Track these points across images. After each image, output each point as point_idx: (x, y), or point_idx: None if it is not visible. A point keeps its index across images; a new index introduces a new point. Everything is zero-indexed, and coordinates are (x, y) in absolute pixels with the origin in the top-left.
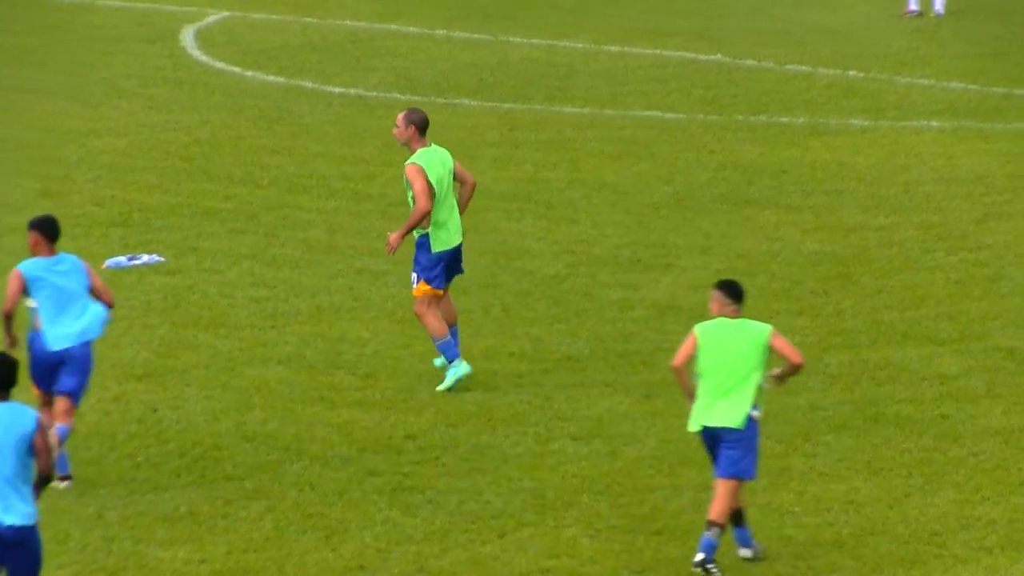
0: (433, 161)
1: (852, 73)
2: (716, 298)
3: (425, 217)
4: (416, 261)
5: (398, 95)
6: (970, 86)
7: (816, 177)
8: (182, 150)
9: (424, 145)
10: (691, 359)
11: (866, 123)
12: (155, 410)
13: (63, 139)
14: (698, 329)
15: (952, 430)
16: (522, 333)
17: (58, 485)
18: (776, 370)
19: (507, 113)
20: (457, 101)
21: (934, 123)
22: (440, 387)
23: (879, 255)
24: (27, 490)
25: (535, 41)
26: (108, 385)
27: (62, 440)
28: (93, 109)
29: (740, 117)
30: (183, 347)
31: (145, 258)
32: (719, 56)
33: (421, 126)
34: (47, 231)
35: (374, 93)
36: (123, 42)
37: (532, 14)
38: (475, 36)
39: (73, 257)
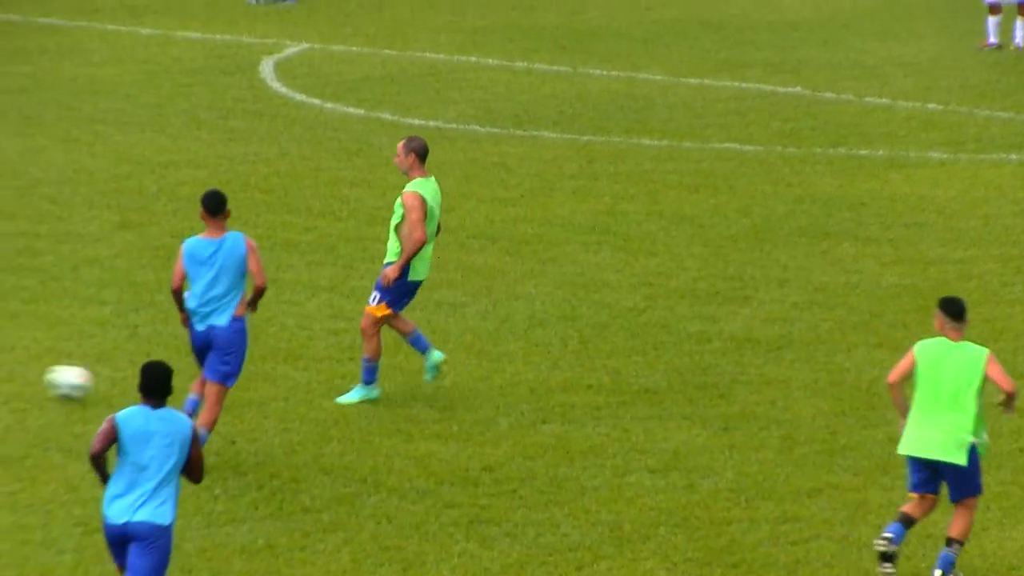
0: (430, 191)
1: (931, 106)
2: (938, 316)
3: (421, 247)
4: (384, 288)
5: (477, 127)
6: None
7: (895, 210)
8: (261, 182)
9: (424, 174)
10: (907, 376)
11: (945, 156)
12: (233, 442)
13: (142, 170)
14: (917, 347)
15: None
16: (600, 365)
17: None
18: (1000, 397)
19: (586, 145)
20: (536, 133)
21: (1013, 156)
22: (341, 399)
23: (958, 288)
24: (171, 493)
25: (614, 73)
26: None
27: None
28: (172, 140)
29: (819, 149)
30: (261, 379)
31: None
32: (798, 88)
33: (421, 154)
34: (209, 206)
35: (453, 125)
36: (202, 74)
37: (607, 46)
38: (554, 68)
39: (238, 235)
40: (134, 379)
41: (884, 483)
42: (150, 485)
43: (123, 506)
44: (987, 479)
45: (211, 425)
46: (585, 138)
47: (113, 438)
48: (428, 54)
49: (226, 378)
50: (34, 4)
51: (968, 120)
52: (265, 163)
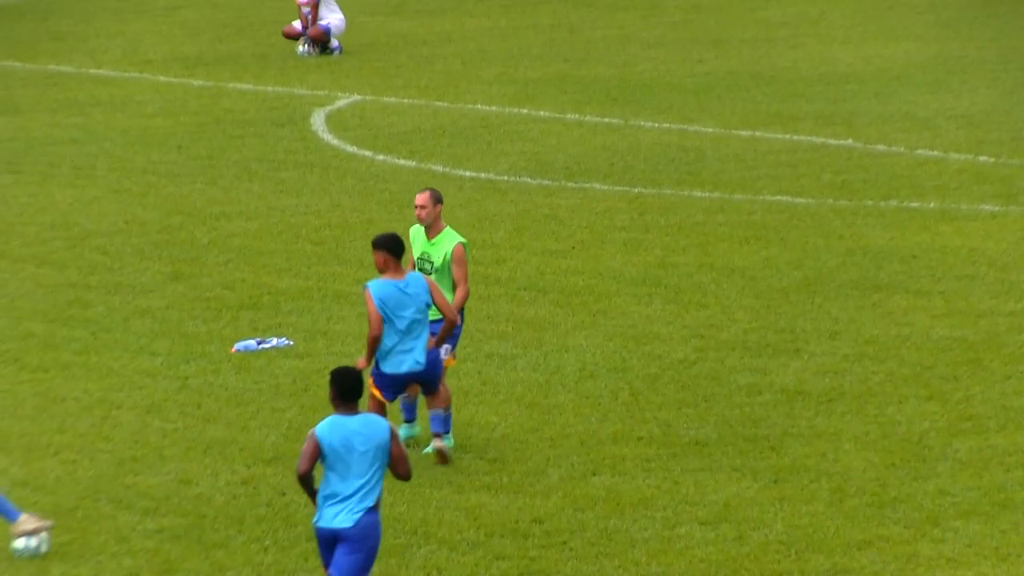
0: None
1: (983, 158)
2: None
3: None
4: (456, 336)
5: (528, 179)
6: None
7: (946, 262)
8: (312, 233)
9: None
10: None
11: (997, 208)
12: (283, 494)
13: (193, 221)
14: None
15: None
16: (651, 417)
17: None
18: None
19: (637, 197)
20: (587, 185)
21: None
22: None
23: (1009, 340)
24: (376, 495)
25: (666, 125)
26: (237, 468)
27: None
28: (224, 192)
29: (870, 202)
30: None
31: (274, 341)
32: (849, 141)
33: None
34: (394, 249)
35: (505, 177)
36: (253, 125)
37: (659, 98)
38: (605, 120)
39: (418, 276)
40: (185, 430)
41: (935, 535)
42: (356, 491)
43: (332, 513)
44: None
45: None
46: (636, 190)
47: (318, 454)
48: (480, 106)
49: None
50: (86, 56)
51: (1020, 172)
52: (316, 215)
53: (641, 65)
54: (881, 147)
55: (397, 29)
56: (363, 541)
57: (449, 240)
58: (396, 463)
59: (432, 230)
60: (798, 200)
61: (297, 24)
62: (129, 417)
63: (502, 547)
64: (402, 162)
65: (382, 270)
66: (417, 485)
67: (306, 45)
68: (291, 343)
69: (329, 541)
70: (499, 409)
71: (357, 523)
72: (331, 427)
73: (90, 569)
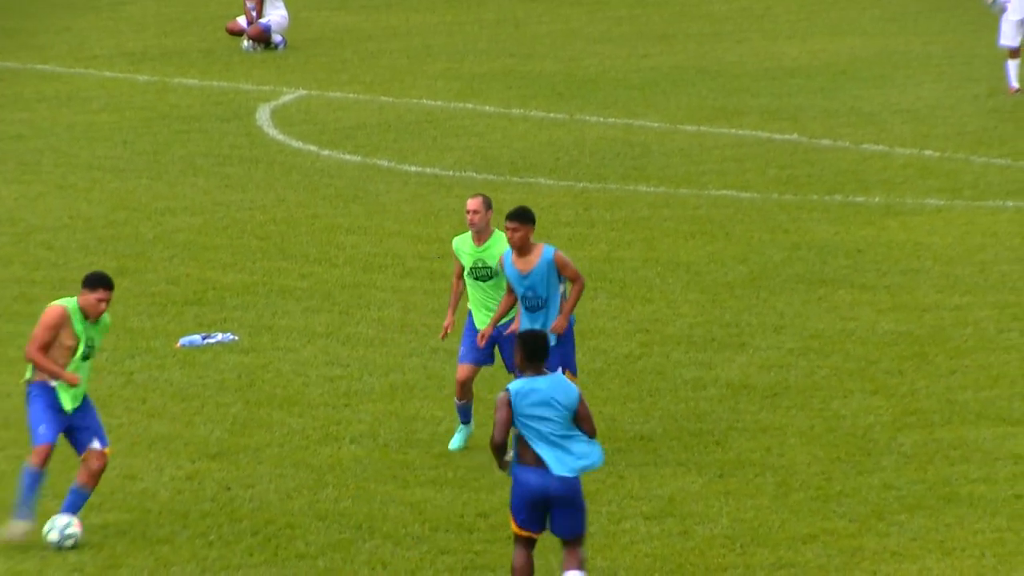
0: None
1: (928, 152)
2: None
3: None
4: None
5: (474, 174)
6: None
7: (892, 257)
8: (258, 229)
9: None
10: None
11: (942, 203)
12: (228, 488)
13: (138, 216)
14: None
15: None
16: (595, 412)
17: None
18: None
19: (582, 192)
20: (533, 180)
21: (1010, 203)
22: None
23: (954, 334)
24: (578, 448)
25: (611, 120)
26: (181, 464)
27: None
28: (169, 187)
29: (815, 196)
30: (257, 426)
31: (219, 336)
32: (795, 135)
33: None
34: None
35: (450, 172)
36: (199, 120)
37: (604, 93)
38: (551, 115)
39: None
40: (130, 426)
41: (879, 529)
42: (552, 449)
43: (536, 474)
44: (982, 525)
45: None
46: (581, 185)
47: (511, 419)
48: (425, 101)
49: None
50: (32, 51)
51: (965, 167)
52: (261, 210)
53: (587, 60)
54: (826, 142)
55: (342, 24)
56: (573, 496)
57: (501, 243)
58: (582, 422)
59: (483, 235)
60: (743, 195)
61: (241, 20)
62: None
63: (447, 542)
64: (347, 157)
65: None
66: (362, 479)
67: (250, 40)
68: (236, 338)
69: (540, 503)
70: (445, 404)
71: (559, 484)
72: (522, 389)
73: (34, 564)
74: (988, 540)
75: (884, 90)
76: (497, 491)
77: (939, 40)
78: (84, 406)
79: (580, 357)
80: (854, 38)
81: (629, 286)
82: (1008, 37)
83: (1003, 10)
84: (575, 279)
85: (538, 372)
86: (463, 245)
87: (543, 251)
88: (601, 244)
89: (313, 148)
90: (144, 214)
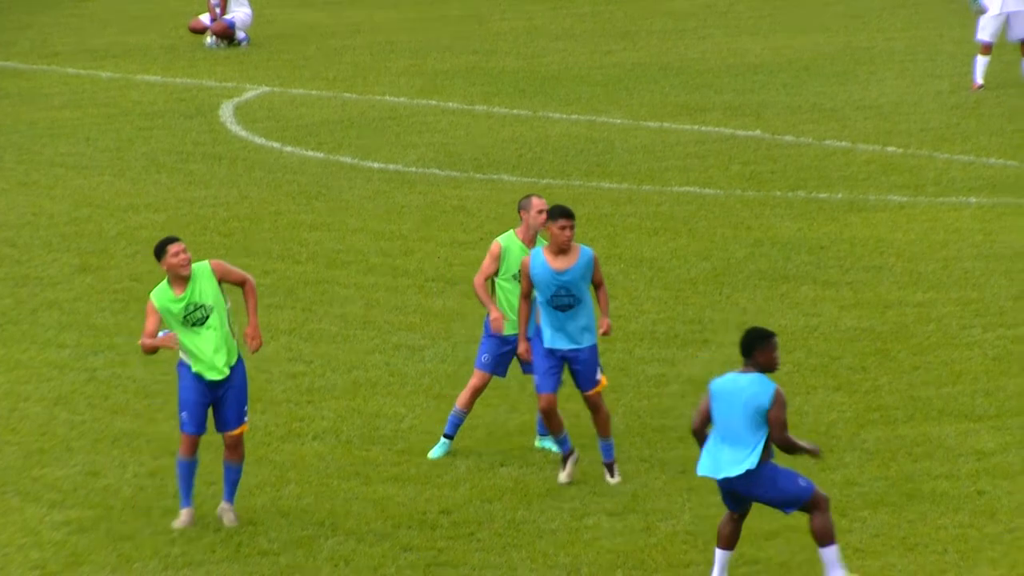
0: None
1: (891, 149)
2: None
3: None
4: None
5: (437, 171)
6: (1009, 162)
7: (854, 253)
8: (221, 225)
9: None
10: None
11: (905, 199)
12: None
13: (102, 213)
14: None
15: (989, 506)
16: (559, 408)
17: None
18: None
19: (546, 188)
20: (496, 176)
21: (973, 199)
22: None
23: (917, 331)
24: (757, 446)
25: (574, 117)
26: (144, 460)
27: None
28: (132, 183)
29: (778, 193)
30: None
31: None
32: (758, 132)
33: None
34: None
35: (413, 169)
36: (162, 117)
37: (567, 89)
38: (514, 112)
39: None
40: (93, 422)
41: (842, 526)
42: (734, 443)
43: (711, 464)
44: (945, 521)
45: None
46: (545, 181)
47: (709, 409)
48: (388, 98)
49: None
50: None
51: (928, 163)
52: (224, 206)
53: (550, 57)
54: (789, 138)
55: (306, 20)
56: (756, 483)
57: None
58: (772, 426)
59: (536, 238)
60: (707, 191)
61: (203, 18)
62: (37, 409)
63: (409, 538)
64: (310, 154)
65: None
66: (324, 476)
67: (213, 37)
68: None
69: (726, 492)
70: (407, 400)
71: (748, 474)
72: (723, 382)
73: None
74: (951, 536)
75: (847, 86)
76: (460, 487)
77: (902, 36)
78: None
79: None
80: (817, 34)
81: None
82: (985, 32)
83: (982, 10)
84: (601, 283)
85: (745, 368)
86: (512, 245)
87: (581, 251)
88: None
89: (276, 145)
90: (107, 211)
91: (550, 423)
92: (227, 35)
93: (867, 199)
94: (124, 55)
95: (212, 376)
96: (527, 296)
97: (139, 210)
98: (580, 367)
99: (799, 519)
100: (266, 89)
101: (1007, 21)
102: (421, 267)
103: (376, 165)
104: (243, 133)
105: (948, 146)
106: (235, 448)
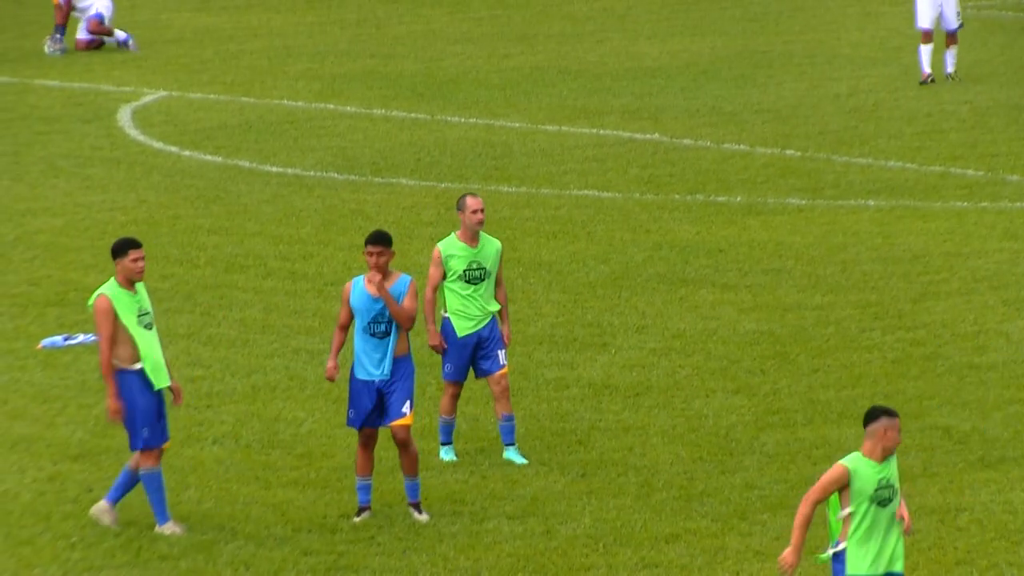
0: None
1: (790, 152)
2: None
3: None
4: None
5: (335, 175)
6: (908, 165)
7: (753, 256)
8: (119, 230)
9: None
10: None
11: (804, 202)
12: (90, 490)
13: None
14: None
15: None
16: (458, 412)
17: None
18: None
19: (444, 192)
20: (394, 180)
21: (871, 202)
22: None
23: (816, 334)
24: None
25: (472, 120)
26: (43, 465)
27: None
28: (29, 188)
29: (677, 196)
30: (118, 427)
31: (81, 338)
32: (656, 135)
33: None
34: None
35: (312, 173)
36: (60, 121)
37: (465, 93)
38: (412, 115)
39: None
40: None
41: (742, 529)
42: None
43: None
44: None
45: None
46: (443, 185)
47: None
48: (286, 102)
49: None
50: None
51: (827, 166)
52: (123, 211)
53: (448, 60)
54: (688, 141)
55: (203, 25)
56: None
57: (492, 242)
58: None
59: (478, 237)
60: (605, 194)
61: (80, 34)
62: None
63: (309, 542)
64: (208, 158)
65: None
66: (224, 480)
67: (56, 42)
68: (98, 339)
69: None
70: (306, 404)
71: None
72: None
73: None
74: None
75: (745, 90)
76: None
77: (800, 40)
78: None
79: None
80: (715, 37)
81: None
82: (923, 19)
83: None
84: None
85: None
86: (452, 248)
87: (400, 278)
88: None
89: (174, 149)
90: (5, 215)
91: (362, 459)
92: (103, 31)
93: (766, 202)
94: (21, 60)
95: (160, 383)
96: (342, 327)
97: (37, 214)
98: (388, 397)
99: (697, 522)
100: (164, 93)
101: (941, 12)
102: (320, 271)
103: (274, 169)
104: (141, 137)
105: (847, 149)
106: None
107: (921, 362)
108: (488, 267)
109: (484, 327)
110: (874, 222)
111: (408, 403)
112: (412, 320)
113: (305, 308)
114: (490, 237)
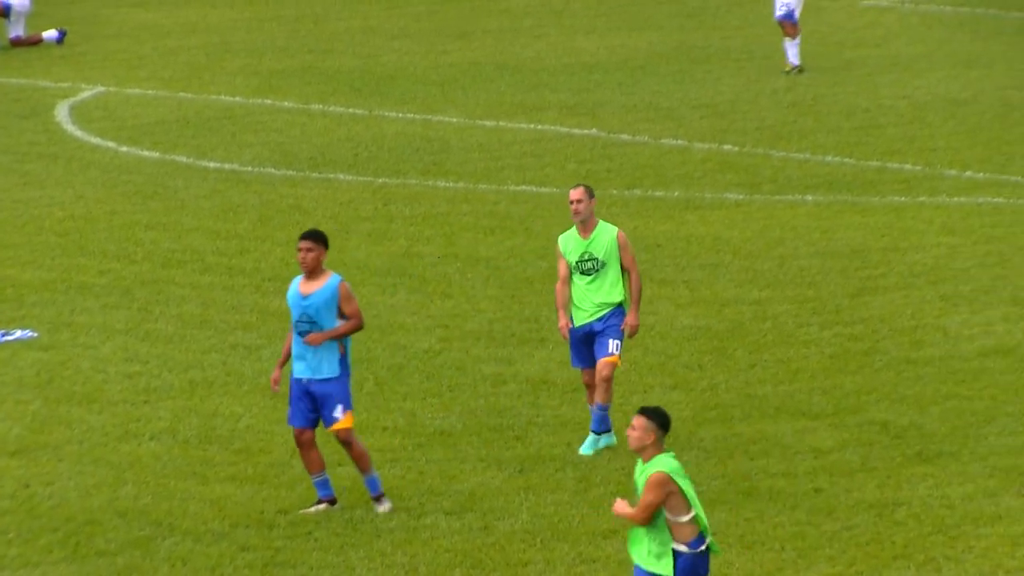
0: None
1: (727, 147)
2: None
3: None
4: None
5: (273, 170)
6: (846, 159)
7: (691, 251)
8: (56, 225)
9: None
10: None
11: (741, 197)
12: (27, 486)
13: None
14: None
15: (826, 504)
16: (395, 407)
17: None
18: None
19: (381, 187)
20: (332, 176)
21: (809, 197)
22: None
23: (754, 329)
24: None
25: (410, 116)
26: None
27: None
28: None
29: (615, 191)
30: (56, 423)
31: (18, 333)
32: (594, 130)
33: None
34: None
35: (249, 168)
36: None
37: (403, 89)
38: (350, 111)
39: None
40: None
41: None
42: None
43: None
44: (782, 519)
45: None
46: (381, 180)
47: None
48: (224, 97)
49: None
50: None
51: (764, 161)
52: (60, 206)
53: (385, 56)
54: (625, 137)
55: (141, 20)
56: None
57: (607, 231)
58: None
59: (588, 226)
60: (543, 190)
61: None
62: None
63: (247, 538)
64: (146, 153)
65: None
66: (161, 476)
67: None
68: (35, 335)
69: None
70: (244, 400)
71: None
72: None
73: None
74: (788, 534)
75: (683, 85)
76: (296, 487)
77: (738, 35)
78: None
79: (380, 353)
80: (652, 33)
81: (429, 282)
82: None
83: None
84: (353, 315)
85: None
86: (568, 242)
87: (330, 277)
88: (400, 239)
89: (112, 144)
90: None
91: (304, 459)
92: (30, 42)
93: (703, 197)
94: None
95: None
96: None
97: None
98: (321, 399)
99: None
100: (102, 89)
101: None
102: (258, 266)
103: (212, 164)
104: (79, 133)
105: (784, 144)
106: None
107: (859, 357)
108: (601, 257)
109: (597, 320)
110: (812, 217)
111: (340, 407)
112: (360, 325)
113: (243, 303)
114: (608, 226)
